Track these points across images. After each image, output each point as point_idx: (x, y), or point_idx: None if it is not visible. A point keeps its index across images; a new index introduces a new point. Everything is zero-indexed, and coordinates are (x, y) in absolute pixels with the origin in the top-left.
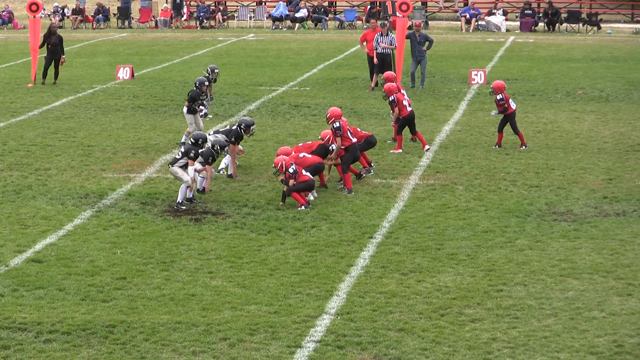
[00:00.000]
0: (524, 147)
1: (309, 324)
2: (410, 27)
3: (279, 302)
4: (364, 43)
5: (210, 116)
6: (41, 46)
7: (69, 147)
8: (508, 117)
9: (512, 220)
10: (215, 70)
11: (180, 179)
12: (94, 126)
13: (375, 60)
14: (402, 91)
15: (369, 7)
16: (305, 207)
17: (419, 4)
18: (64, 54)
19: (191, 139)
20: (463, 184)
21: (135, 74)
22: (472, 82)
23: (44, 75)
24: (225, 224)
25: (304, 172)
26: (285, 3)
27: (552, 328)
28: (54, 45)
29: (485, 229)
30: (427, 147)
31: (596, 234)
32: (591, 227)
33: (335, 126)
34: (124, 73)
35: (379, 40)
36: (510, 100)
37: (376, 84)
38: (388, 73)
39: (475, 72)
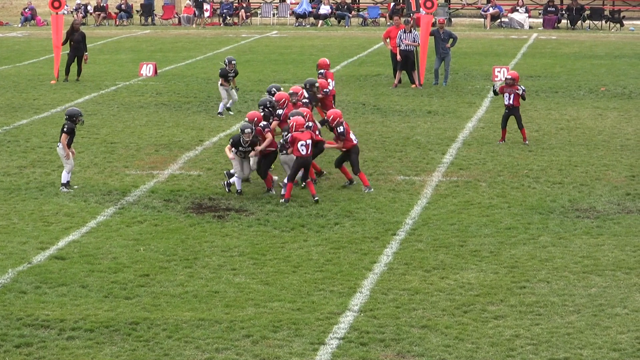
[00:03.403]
0: (526, 142)
1: (332, 321)
2: (434, 24)
3: (302, 299)
4: (388, 40)
5: (232, 113)
6: (64, 43)
7: (92, 144)
8: (513, 111)
9: (535, 217)
10: (233, 62)
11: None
12: (117, 123)
13: (398, 57)
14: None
15: (392, 3)
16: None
17: (442, 0)
18: (86, 51)
19: (240, 129)
20: (486, 180)
21: (158, 71)
22: (495, 79)
23: (67, 72)
24: (248, 221)
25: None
26: (308, 0)
27: (575, 325)
28: (76, 42)
29: (508, 226)
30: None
31: (619, 231)
32: (614, 224)
33: (339, 131)
34: (147, 70)
35: (403, 37)
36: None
37: (399, 81)
38: (322, 59)
39: (499, 69)
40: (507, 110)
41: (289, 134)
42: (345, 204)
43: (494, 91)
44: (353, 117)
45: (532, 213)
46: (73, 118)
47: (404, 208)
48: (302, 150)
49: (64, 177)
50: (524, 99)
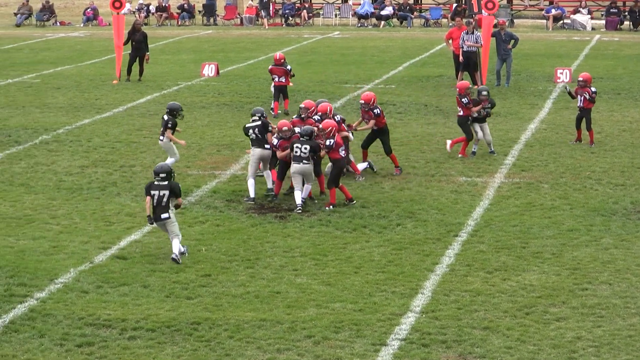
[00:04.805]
0: (592, 145)
1: (394, 322)
2: (495, 26)
3: (364, 300)
4: (450, 41)
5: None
6: (125, 43)
7: (154, 144)
8: (584, 113)
9: (597, 218)
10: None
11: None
12: (179, 123)
13: (460, 58)
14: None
15: (454, 5)
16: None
17: (504, 2)
18: (148, 51)
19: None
20: (548, 182)
21: (220, 71)
22: (558, 80)
23: (129, 72)
24: (310, 222)
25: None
26: (370, 1)
27: (637, 327)
28: (138, 42)
29: (570, 228)
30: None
31: None
32: None
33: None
34: (209, 70)
35: (465, 39)
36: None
37: None
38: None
39: (561, 71)
40: (579, 112)
41: (332, 140)
42: (407, 205)
43: (569, 93)
44: (415, 117)
45: (594, 215)
46: (174, 112)
47: (466, 209)
48: (343, 153)
49: (170, 163)
50: (592, 102)
